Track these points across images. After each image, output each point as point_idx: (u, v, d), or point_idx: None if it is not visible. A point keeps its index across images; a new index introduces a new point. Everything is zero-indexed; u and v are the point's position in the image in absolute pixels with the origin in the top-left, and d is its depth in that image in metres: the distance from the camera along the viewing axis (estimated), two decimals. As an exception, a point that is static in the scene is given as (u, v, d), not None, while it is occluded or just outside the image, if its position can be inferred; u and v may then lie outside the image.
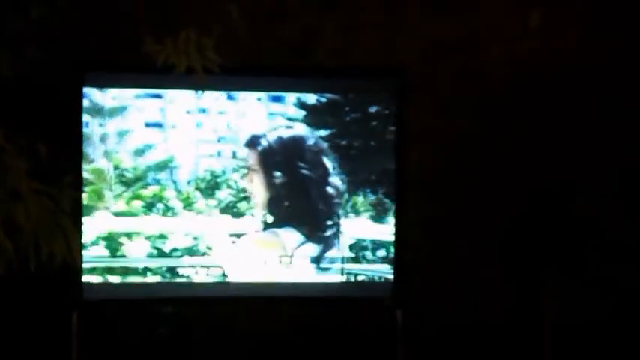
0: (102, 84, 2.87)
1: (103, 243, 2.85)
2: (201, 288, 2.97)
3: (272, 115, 2.85)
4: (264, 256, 2.94)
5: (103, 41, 2.83)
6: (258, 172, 2.88)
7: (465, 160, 3.09)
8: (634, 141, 3.10)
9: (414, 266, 3.02)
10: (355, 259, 2.95)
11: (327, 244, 2.94)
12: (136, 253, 2.91)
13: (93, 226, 2.81)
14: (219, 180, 2.87)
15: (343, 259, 2.96)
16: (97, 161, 2.81)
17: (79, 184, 2.71)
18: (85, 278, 2.84)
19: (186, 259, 2.97)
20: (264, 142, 2.86)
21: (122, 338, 2.99)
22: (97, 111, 2.75)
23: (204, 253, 2.92)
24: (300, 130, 2.87)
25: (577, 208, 2.90)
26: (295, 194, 2.88)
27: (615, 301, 3.03)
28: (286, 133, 2.87)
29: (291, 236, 2.94)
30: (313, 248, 2.97)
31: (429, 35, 3.08)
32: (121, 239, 2.87)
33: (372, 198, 2.90)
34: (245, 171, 2.87)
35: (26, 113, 2.63)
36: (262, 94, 2.89)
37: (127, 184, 2.81)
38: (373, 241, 2.92)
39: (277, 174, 2.86)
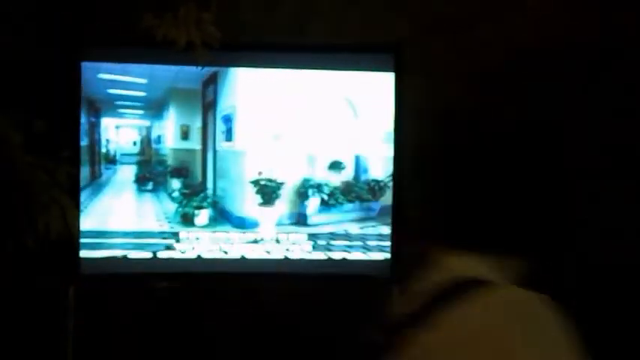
0: (100, 59, 2.94)
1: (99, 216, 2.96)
2: (197, 263, 3.07)
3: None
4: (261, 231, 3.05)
5: (102, 15, 2.88)
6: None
7: (459, 137, 3.13)
8: (631, 120, 3.14)
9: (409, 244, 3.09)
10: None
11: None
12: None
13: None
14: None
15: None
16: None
17: (75, 158, 2.79)
18: (82, 253, 2.94)
19: (184, 234, 3.07)
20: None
21: (119, 313, 3.09)
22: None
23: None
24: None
25: (570, 189, 2.95)
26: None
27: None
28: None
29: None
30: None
31: (426, 11, 3.11)
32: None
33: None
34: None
35: (23, 87, 2.69)
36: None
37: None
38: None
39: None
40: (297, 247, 3.08)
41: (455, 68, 3.11)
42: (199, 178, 3.13)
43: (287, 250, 3.08)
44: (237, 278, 3.09)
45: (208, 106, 3.12)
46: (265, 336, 3.20)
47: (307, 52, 2.96)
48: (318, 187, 3.07)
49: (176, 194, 3.14)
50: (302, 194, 3.08)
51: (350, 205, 3.10)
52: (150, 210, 3.15)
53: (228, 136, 3.11)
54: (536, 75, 3.10)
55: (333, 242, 3.10)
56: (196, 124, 3.13)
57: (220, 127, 3.11)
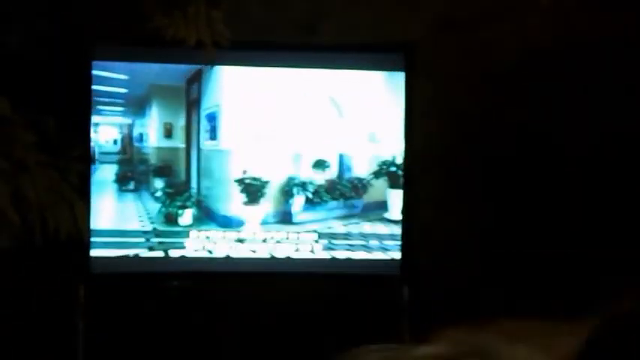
0: (111, 58, 2.95)
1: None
2: (207, 262, 3.09)
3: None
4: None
5: (113, 14, 2.89)
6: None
7: (471, 136, 3.22)
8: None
9: (420, 243, 3.18)
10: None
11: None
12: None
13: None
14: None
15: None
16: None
17: (86, 157, 2.79)
18: (93, 252, 2.95)
19: (194, 233, 3.10)
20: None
21: (129, 312, 3.11)
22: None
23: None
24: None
25: (583, 188, 3.04)
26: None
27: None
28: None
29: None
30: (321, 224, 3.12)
31: (438, 11, 3.17)
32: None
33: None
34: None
35: (35, 86, 2.68)
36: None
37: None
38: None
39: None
40: (307, 247, 3.13)
41: (466, 68, 3.16)
42: (183, 177, 3.16)
43: (296, 250, 3.12)
44: (250, 276, 3.11)
45: (192, 104, 3.15)
46: (277, 335, 3.22)
47: (318, 51, 3.03)
48: (303, 186, 3.14)
49: (159, 194, 3.16)
50: (287, 193, 3.14)
51: (334, 203, 3.18)
52: (131, 210, 3.16)
53: (213, 134, 3.15)
54: (548, 76, 3.20)
55: (339, 242, 3.14)
56: (180, 123, 3.16)
57: (205, 125, 3.15)
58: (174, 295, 3.02)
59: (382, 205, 3.17)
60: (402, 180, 3.12)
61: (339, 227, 3.18)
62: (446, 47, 3.16)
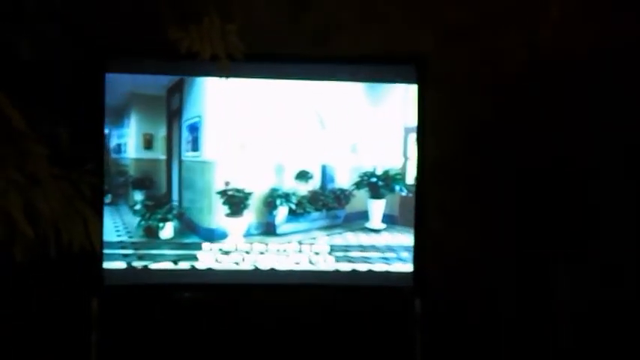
0: (124, 70, 2.96)
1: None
2: (220, 275, 3.12)
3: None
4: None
5: (126, 27, 2.89)
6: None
7: (481, 146, 3.32)
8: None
9: (432, 254, 3.23)
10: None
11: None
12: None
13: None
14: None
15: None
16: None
17: (99, 170, 2.78)
18: (106, 264, 2.98)
19: (206, 245, 3.13)
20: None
21: (142, 324, 3.09)
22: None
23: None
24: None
25: (590, 196, 3.15)
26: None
27: (626, 288, 3.23)
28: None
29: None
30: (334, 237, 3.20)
31: (448, 22, 3.26)
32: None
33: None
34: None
35: (47, 99, 2.66)
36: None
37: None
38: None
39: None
40: (320, 258, 3.20)
41: (476, 79, 3.26)
42: (164, 190, 3.18)
43: (311, 262, 3.19)
44: (263, 288, 3.15)
45: (174, 114, 3.18)
46: (289, 348, 3.27)
47: (330, 63, 3.10)
48: (286, 197, 3.21)
49: (138, 207, 3.17)
50: (270, 204, 3.20)
51: (317, 214, 3.26)
52: (109, 224, 3.15)
53: (195, 145, 3.18)
54: (558, 86, 3.30)
55: (353, 254, 3.22)
56: (161, 133, 3.18)
57: (186, 136, 3.18)
58: (186, 307, 3.04)
59: (363, 215, 3.26)
60: (381, 191, 3.22)
61: (324, 237, 3.26)
62: (456, 59, 3.26)
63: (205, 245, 3.15)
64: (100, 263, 2.93)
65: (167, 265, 3.11)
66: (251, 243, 3.19)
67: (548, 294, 3.13)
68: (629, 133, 3.23)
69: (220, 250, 3.16)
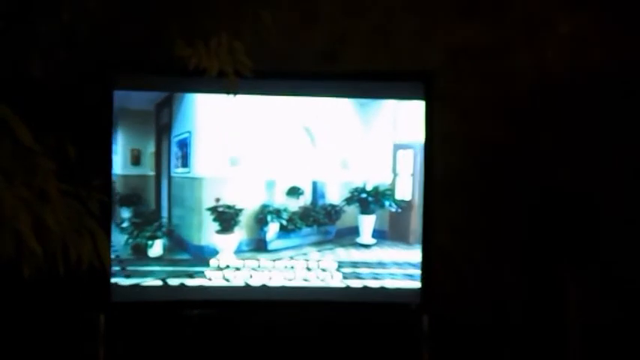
0: (132, 87, 2.97)
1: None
2: (227, 291, 3.13)
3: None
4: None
5: (133, 44, 2.91)
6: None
7: (489, 164, 3.37)
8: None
9: (439, 270, 3.27)
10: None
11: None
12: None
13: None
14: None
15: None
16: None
17: (107, 186, 2.78)
18: (113, 280, 2.98)
19: (214, 262, 3.14)
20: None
21: (149, 341, 3.08)
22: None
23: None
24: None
25: (600, 214, 3.22)
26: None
27: (637, 302, 3.30)
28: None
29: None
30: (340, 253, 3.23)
31: (457, 40, 3.34)
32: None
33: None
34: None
35: (56, 115, 2.66)
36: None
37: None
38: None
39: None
40: (328, 275, 3.23)
41: (483, 97, 3.32)
42: (153, 206, 3.19)
43: (321, 280, 3.21)
44: (269, 304, 3.16)
45: (163, 130, 3.20)
46: None
47: (338, 80, 3.15)
48: (277, 213, 3.24)
49: (126, 224, 3.18)
50: (261, 220, 3.23)
51: (308, 230, 3.30)
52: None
53: (185, 161, 3.20)
54: (565, 104, 3.37)
55: (361, 270, 3.24)
56: (149, 149, 3.19)
57: (176, 151, 3.20)
58: (195, 323, 3.04)
59: (354, 231, 3.31)
60: (371, 206, 3.28)
61: (315, 254, 3.30)
62: (464, 76, 3.34)
63: (213, 261, 3.15)
64: (108, 280, 2.92)
65: (174, 282, 3.10)
66: (243, 259, 3.20)
67: (558, 309, 3.18)
68: (638, 152, 3.29)
69: (229, 266, 3.15)
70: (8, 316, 3.04)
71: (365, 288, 3.20)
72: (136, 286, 3.07)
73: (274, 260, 3.21)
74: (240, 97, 3.01)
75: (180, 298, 3.06)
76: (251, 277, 3.19)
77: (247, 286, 3.17)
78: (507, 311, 3.33)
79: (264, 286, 3.17)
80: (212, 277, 3.16)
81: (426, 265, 3.18)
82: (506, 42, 3.33)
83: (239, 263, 3.18)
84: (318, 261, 3.21)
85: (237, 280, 3.18)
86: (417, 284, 3.19)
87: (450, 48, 3.34)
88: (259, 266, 3.20)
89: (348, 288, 3.20)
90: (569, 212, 3.21)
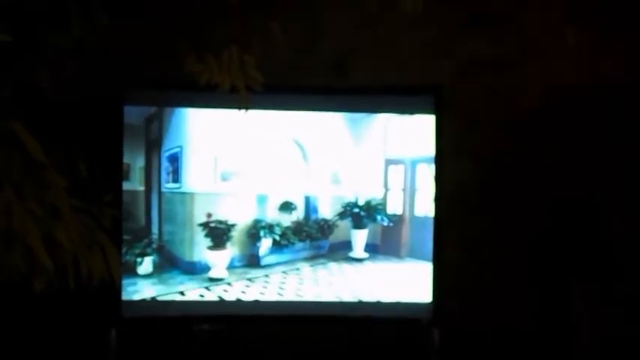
0: (143, 103, 2.98)
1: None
2: (238, 306, 3.15)
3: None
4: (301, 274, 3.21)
5: (144, 59, 2.92)
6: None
7: (499, 177, 3.40)
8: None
9: (450, 284, 3.29)
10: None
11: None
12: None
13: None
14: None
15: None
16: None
17: (118, 201, 2.78)
18: (124, 295, 2.98)
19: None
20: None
21: (160, 356, 3.07)
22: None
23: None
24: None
25: (609, 226, 3.29)
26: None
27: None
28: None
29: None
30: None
31: (465, 52, 3.39)
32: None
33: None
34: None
35: (66, 129, 2.65)
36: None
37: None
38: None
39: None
40: (324, 289, 3.26)
41: (493, 110, 3.38)
42: (142, 222, 3.20)
43: (337, 297, 3.24)
44: (280, 319, 3.19)
45: (152, 144, 3.22)
46: None
47: (348, 94, 3.20)
48: (270, 228, 3.28)
49: (115, 240, 3.18)
50: (253, 235, 3.27)
51: (301, 244, 3.35)
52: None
53: (175, 176, 3.23)
54: (574, 117, 3.43)
55: None
56: (139, 163, 3.21)
57: (166, 166, 3.22)
58: (205, 339, 3.05)
59: (347, 245, 3.37)
60: (364, 221, 3.34)
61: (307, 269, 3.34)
62: (473, 89, 3.39)
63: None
64: (119, 295, 2.93)
65: (190, 297, 3.12)
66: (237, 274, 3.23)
67: (568, 326, 3.24)
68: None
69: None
70: (19, 331, 3.02)
71: (378, 303, 3.26)
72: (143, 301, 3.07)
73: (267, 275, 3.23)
74: (242, 111, 3.10)
75: (174, 314, 3.07)
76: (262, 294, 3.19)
77: (257, 301, 3.19)
78: (517, 327, 3.38)
79: (272, 302, 3.19)
80: (204, 294, 3.17)
81: (437, 279, 3.22)
82: (516, 55, 3.40)
83: (231, 279, 3.20)
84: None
85: (230, 295, 3.19)
86: (416, 298, 3.23)
87: (459, 60, 3.40)
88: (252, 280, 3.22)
89: (360, 302, 3.24)
90: (578, 226, 3.28)
